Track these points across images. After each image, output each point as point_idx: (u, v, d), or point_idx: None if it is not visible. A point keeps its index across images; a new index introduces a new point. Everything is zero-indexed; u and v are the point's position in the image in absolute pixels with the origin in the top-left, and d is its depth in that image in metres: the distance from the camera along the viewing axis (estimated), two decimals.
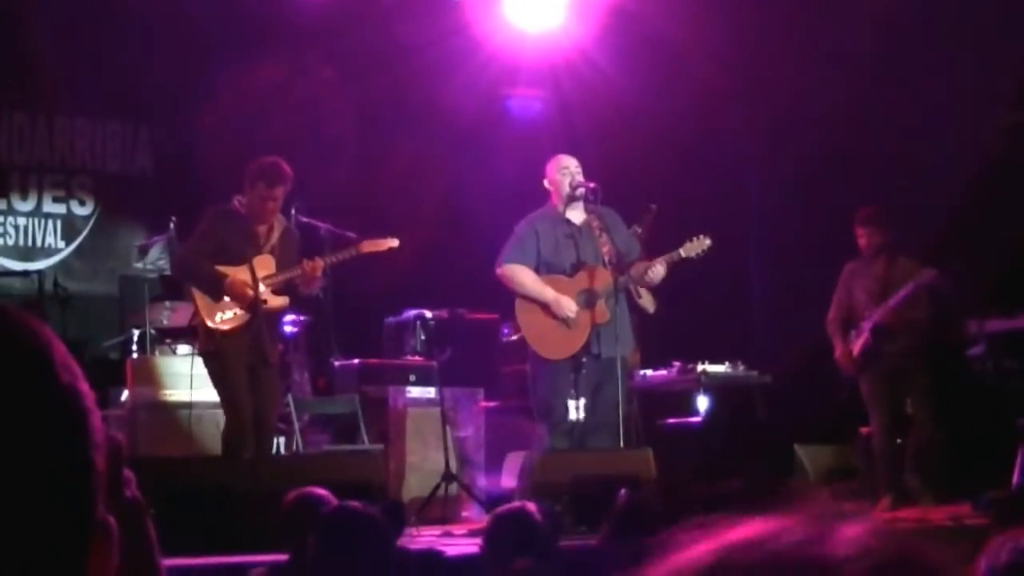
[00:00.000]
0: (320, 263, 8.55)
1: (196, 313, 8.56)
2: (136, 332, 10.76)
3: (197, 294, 8.51)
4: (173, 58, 12.56)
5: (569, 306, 8.79)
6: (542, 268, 8.94)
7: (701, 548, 1.06)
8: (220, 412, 9.65)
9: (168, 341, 10.73)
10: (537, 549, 4.98)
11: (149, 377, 10.09)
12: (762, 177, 12.20)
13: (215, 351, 8.43)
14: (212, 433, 9.50)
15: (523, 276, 8.92)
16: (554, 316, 8.81)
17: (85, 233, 13.24)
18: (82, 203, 13.30)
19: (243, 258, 8.41)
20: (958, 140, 11.04)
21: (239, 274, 8.38)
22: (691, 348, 10.95)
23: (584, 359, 8.80)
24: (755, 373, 10.92)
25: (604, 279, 8.82)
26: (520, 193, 9.38)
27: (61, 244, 13.13)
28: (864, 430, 10.30)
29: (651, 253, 9.24)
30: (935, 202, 10.82)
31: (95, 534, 1.15)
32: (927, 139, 11.37)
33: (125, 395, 10.00)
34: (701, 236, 8.90)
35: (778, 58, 12.08)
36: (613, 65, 12.36)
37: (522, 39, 12.46)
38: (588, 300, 8.84)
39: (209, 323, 8.38)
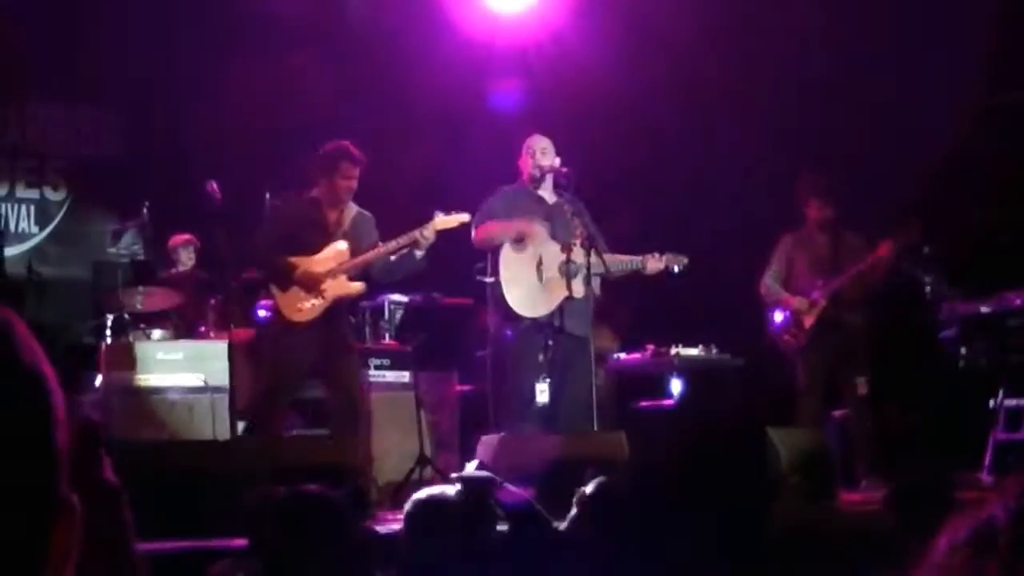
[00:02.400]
0: (385, 247, 8.57)
1: (275, 306, 8.58)
2: (110, 317, 10.74)
3: (274, 289, 8.52)
4: (146, 43, 12.50)
5: (539, 230, 8.81)
6: None
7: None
8: (194, 397, 9.64)
9: (142, 326, 10.70)
10: (456, 533, 4.94)
11: (123, 362, 10.06)
12: (737, 158, 12.21)
13: (285, 344, 8.43)
14: (186, 417, 9.48)
15: (489, 226, 8.92)
16: (535, 272, 8.79)
17: (58, 218, 13.22)
18: (55, 188, 13.27)
19: (314, 247, 8.42)
20: (932, 121, 11.08)
21: (313, 265, 8.38)
22: (665, 331, 10.97)
23: (551, 338, 8.80)
24: (728, 356, 10.94)
25: (580, 256, 8.81)
26: (496, 176, 9.38)
27: (35, 229, 13.10)
28: (837, 413, 10.32)
29: (631, 240, 9.27)
30: (909, 183, 10.85)
31: (58, 512, 1.16)
32: (902, 120, 11.40)
33: (99, 380, 9.97)
34: (679, 255, 9.01)
35: (754, 37, 12.10)
36: (589, 46, 12.36)
37: (498, 21, 12.45)
38: (566, 270, 8.82)
39: (291, 317, 8.40)
